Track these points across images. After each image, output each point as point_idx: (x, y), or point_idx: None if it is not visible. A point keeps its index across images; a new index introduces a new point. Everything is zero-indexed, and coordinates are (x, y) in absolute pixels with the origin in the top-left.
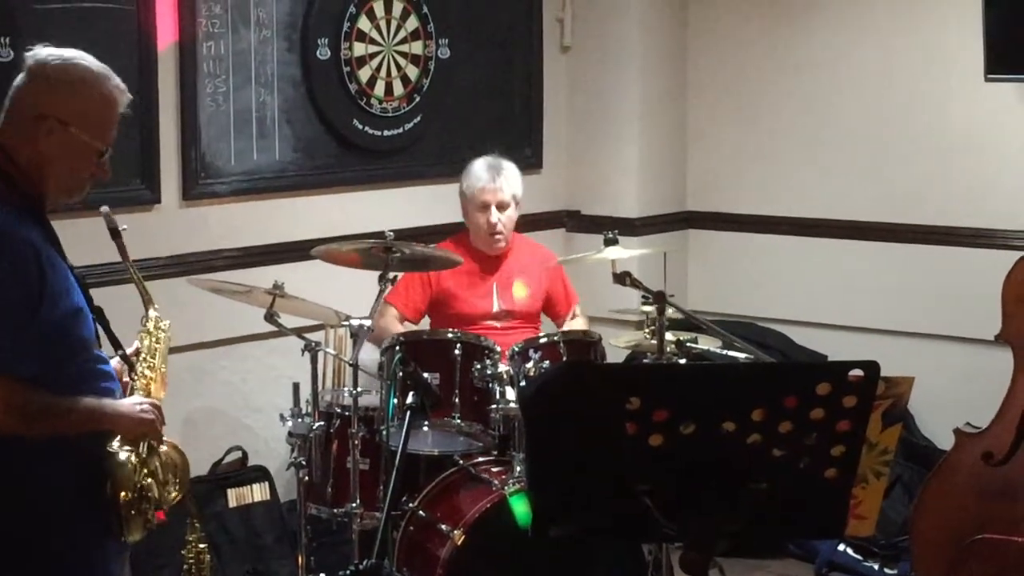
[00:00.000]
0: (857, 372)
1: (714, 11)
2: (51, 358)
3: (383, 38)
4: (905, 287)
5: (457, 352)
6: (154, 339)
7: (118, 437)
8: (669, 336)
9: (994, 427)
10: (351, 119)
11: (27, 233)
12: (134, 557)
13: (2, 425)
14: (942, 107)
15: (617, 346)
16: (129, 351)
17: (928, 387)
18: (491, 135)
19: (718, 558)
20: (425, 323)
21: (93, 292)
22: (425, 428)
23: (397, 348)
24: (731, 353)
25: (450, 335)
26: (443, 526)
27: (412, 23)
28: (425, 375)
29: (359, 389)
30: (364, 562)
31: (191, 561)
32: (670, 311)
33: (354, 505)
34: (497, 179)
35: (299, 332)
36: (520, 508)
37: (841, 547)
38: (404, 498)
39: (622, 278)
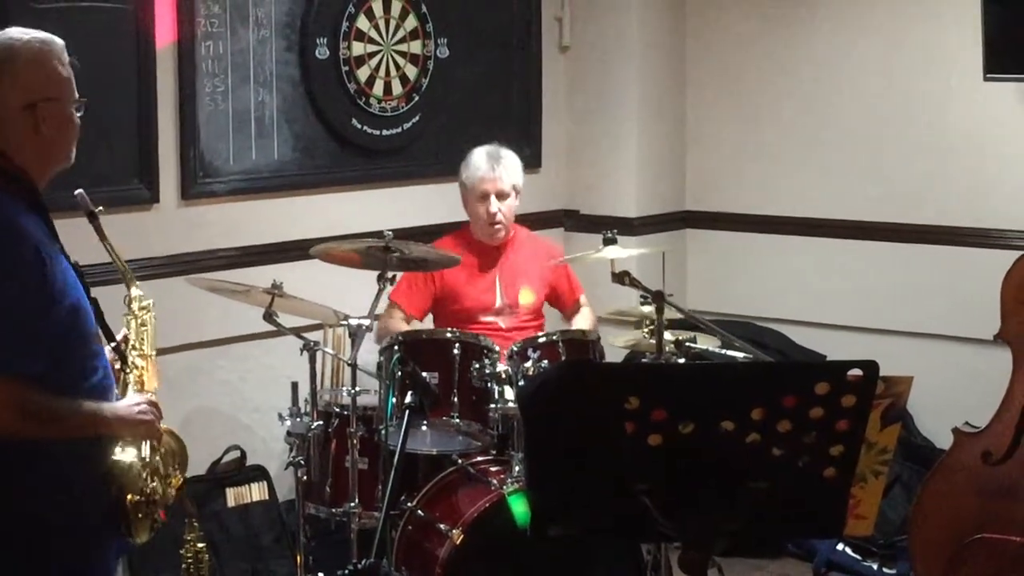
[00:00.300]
0: (856, 372)
1: (713, 11)
2: (55, 355)
3: (382, 37)
4: (904, 287)
5: (456, 351)
6: (139, 321)
7: (120, 442)
8: (668, 336)
9: (993, 426)
10: (350, 118)
11: (32, 230)
12: (132, 557)
13: (12, 426)
14: (941, 107)
15: (616, 346)
16: (118, 337)
17: (927, 387)
18: (490, 134)
19: (717, 558)
20: (428, 320)
21: (94, 291)
22: (424, 427)
23: (396, 347)
24: (730, 353)
25: (449, 334)
26: (442, 525)
27: (411, 22)
28: (424, 374)
29: (357, 388)
30: (363, 561)
31: (189, 560)
32: (669, 311)
33: (352, 504)
34: (496, 168)
35: (298, 332)
36: (519, 508)
37: (840, 546)
38: (403, 497)
39: (621, 278)
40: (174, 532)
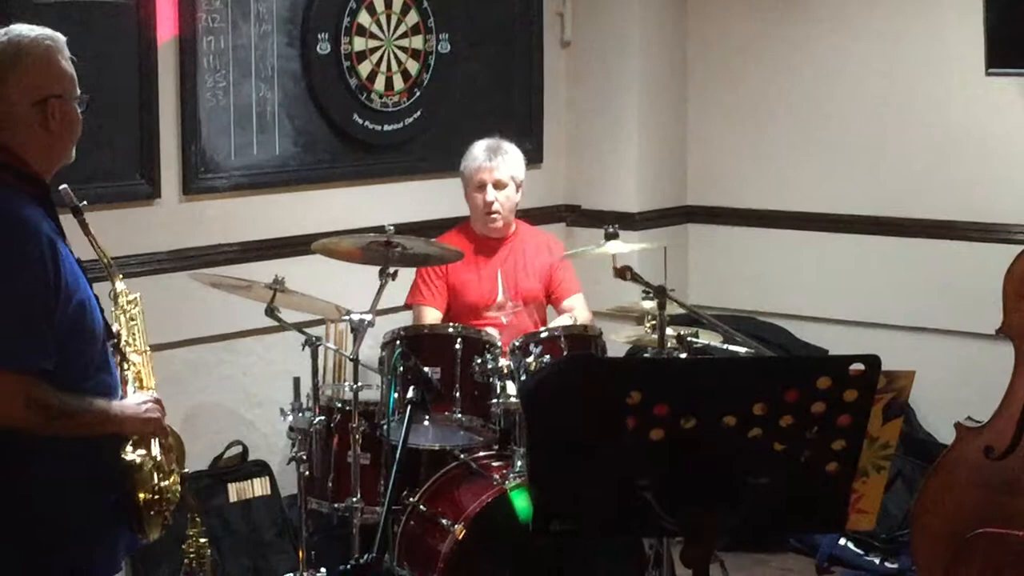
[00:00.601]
0: (858, 366)
1: (715, 6)
2: (65, 351)
3: (383, 33)
4: (906, 281)
5: (458, 346)
6: (128, 316)
7: (130, 441)
8: (670, 331)
9: (995, 421)
10: (351, 114)
11: (43, 226)
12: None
13: (21, 422)
14: (943, 102)
15: (618, 341)
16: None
17: (929, 381)
18: (491, 130)
19: (719, 552)
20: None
21: (95, 289)
22: (426, 423)
23: (398, 343)
24: (732, 347)
25: (451, 329)
26: (444, 520)
27: (412, 17)
28: (426, 369)
29: (359, 384)
30: (365, 556)
31: (191, 556)
32: (671, 306)
33: (355, 500)
34: (494, 159)
35: (299, 327)
36: (521, 502)
37: (842, 541)
38: (405, 492)
39: (623, 273)
40: (176, 527)
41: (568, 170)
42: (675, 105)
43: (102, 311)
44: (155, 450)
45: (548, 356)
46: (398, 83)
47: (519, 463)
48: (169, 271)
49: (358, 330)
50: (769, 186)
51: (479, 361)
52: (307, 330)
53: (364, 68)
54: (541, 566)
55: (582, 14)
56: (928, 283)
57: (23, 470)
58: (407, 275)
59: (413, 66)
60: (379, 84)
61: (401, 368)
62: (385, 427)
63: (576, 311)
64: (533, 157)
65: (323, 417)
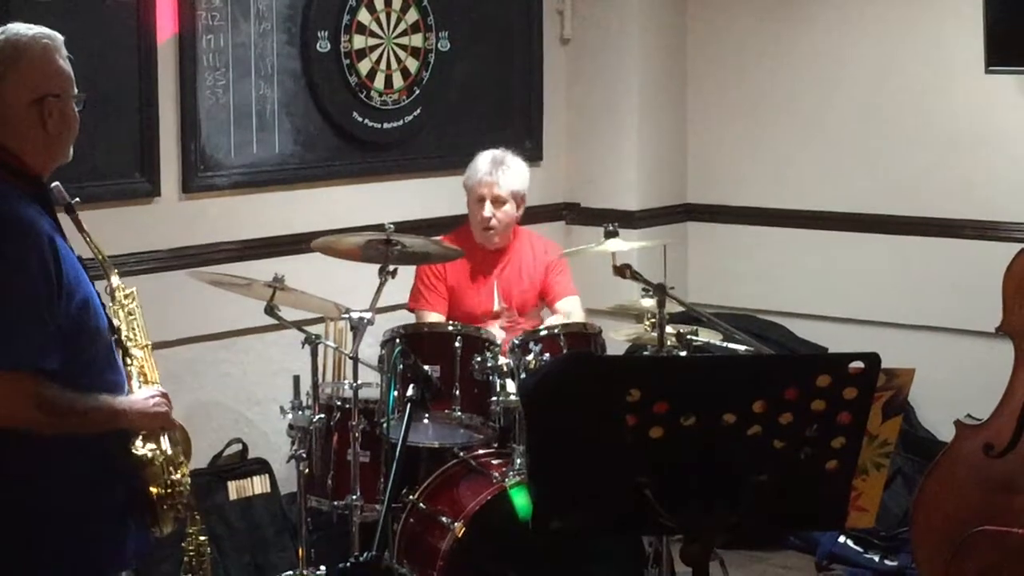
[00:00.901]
0: (857, 364)
1: (714, 4)
2: (70, 349)
3: (383, 31)
4: (905, 279)
5: (457, 344)
6: (127, 311)
7: (140, 436)
8: (669, 329)
9: (994, 419)
10: (351, 112)
11: (43, 225)
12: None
13: (31, 421)
14: (942, 99)
15: (617, 339)
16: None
17: (928, 379)
18: (491, 128)
19: (719, 550)
20: None
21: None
22: (425, 420)
23: (397, 341)
24: (731, 345)
25: (450, 328)
26: (443, 518)
27: (412, 15)
28: (425, 367)
29: (359, 382)
30: (364, 554)
31: (191, 553)
32: (670, 304)
33: (354, 497)
34: (495, 173)
35: (299, 325)
36: (520, 500)
37: (841, 539)
38: (404, 490)
39: (622, 271)
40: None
41: (568, 168)
42: (675, 103)
43: (104, 307)
44: (165, 444)
45: (548, 354)
46: (398, 81)
47: (519, 461)
48: (169, 269)
49: (358, 328)
50: (769, 184)
51: (479, 359)
52: (307, 328)
53: (364, 66)
54: (540, 564)
55: (582, 11)
56: (928, 281)
57: (33, 468)
58: (407, 273)
59: (413, 64)
60: (379, 82)
61: (401, 366)
62: (385, 425)
63: (572, 315)
64: (532, 155)
65: (323, 415)
